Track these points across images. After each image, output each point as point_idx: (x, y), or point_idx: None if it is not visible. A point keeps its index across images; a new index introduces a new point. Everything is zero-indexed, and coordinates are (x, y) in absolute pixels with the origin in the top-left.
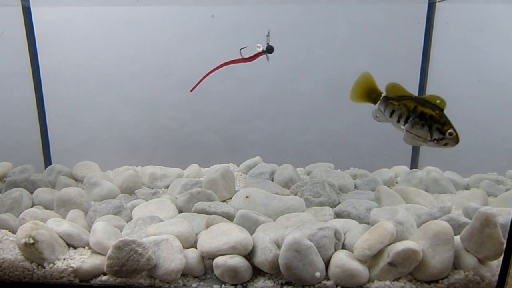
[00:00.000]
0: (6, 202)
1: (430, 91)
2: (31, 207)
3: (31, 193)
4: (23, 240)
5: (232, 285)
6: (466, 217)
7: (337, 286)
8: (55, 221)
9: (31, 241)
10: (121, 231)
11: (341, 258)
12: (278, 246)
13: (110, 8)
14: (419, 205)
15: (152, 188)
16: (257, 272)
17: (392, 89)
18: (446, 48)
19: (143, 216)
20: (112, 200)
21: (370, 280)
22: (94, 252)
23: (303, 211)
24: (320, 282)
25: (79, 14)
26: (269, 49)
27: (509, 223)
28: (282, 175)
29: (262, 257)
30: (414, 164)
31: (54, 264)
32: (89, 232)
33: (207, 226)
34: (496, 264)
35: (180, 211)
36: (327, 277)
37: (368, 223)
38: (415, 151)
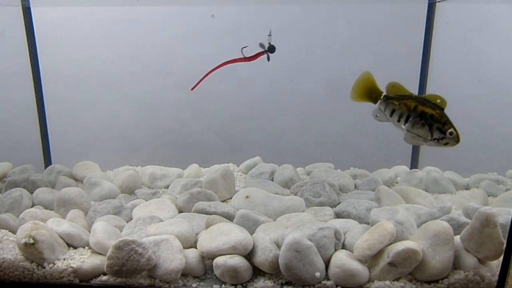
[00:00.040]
0: (6, 202)
1: (430, 91)
2: (31, 207)
3: (31, 193)
4: (23, 240)
5: (232, 285)
6: (466, 217)
7: (337, 286)
8: (55, 221)
9: (31, 241)
10: (121, 231)
11: (341, 258)
12: (278, 246)
13: (110, 8)
14: (419, 205)
15: (152, 188)
16: (257, 272)
17: (393, 89)
18: (446, 48)
19: (143, 216)
20: (112, 200)
21: (370, 280)
22: (94, 252)
23: (303, 211)
24: (320, 282)
25: (79, 14)
26: (271, 49)
27: (509, 223)
28: (282, 175)
29: (262, 257)
30: (414, 164)
31: (54, 264)
32: (89, 232)
33: (207, 226)
34: (496, 264)
35: (180, 211)
36: (327, 277)
37: (368, 223)
38: (415, 151)
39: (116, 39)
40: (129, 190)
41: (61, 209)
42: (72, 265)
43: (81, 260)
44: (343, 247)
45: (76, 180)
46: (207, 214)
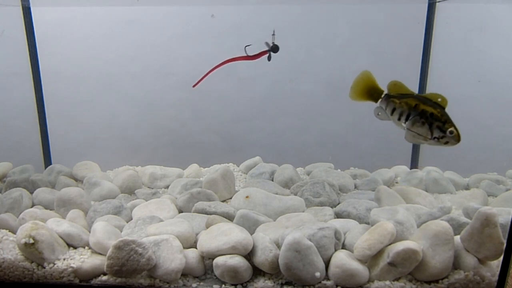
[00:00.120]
0: (6, 202)
1: (430, 91)
2: (31, 207)
3: (31, 193)
4: (23, 240)
5: (232, 285)
6: (466, 217)
7: (337, 286)
8: (55, 221)
9: (31, 241)
10: (121, 231)
11: (341, 258)
12: (278, 246)
13: (110, 8)
14: (419, 205)
15: (152, 188)
16: (257, 272)
17: (394, 87)
18: (446, 48)
19: (143, 216)
20: (112, 200)
21: (370, 280)
22: (94, 252)
23: (303, 211)
24: (320, 282)
25: (79, 14)
26: (274, 48)
27: (509, 223)
28: (282, 175)
29: (262, 257)
30: (414, 164)
31: (54, 264)
32: (89, 232)
33: (207, 226)
34: (496, 264)
35: (180, 211)
36: (327, 277)
37: (368, 223)
38: (415, 151)
39: (116, 39)
40: (129, 190)
41: (61, 209)
42: (72, 265)
43: (81, 260)
44: (343, 247)
45: (76, 180)
46: (207, 214)
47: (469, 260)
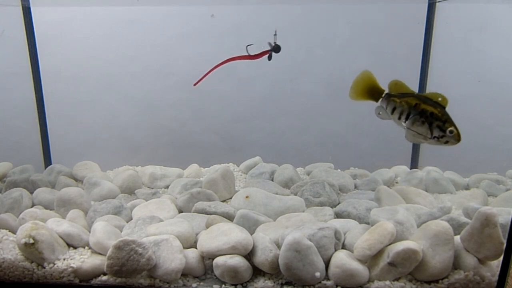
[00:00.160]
0: (6, 202)
1: (430, 91)
2: (31, 207)
3: (31, 193)
4: (23, 240)
5: (232, 285)
6: (466, 217)
7: (337, 286)
8: (55, 221)
9: (31, 241)
10: (121, 231)
11: (341, 258)
12: (278, 246)
13: (110, 8)
14: (419, 205)
15: (152, 188)
16: (257, 272)
17: (395, 86)
18: (446, 48)
19: (143, 216)
20: (112, 200)
21: (370, 280)
22: (94, 252)
23: (303, 211)
24: (320, 282)
25: (79, 14)
26: (276, 49)
27: (509, 223)
28: (282, 175)
29: (262, 257)
30: (414, 164)
31: (54, 264)
32: (89, 232)
33: (207, 226)
34: (496, 264)
35: (180, 211)
36: (327, 277)
37: (368, 223)
38: (415, 151)
39: (116, 39)
40: (129, 190)
41: (61, 209)
42: (72, 265)
43: (81, 260)
44: (343, 247)
45: (76, 180)
46: (207, 214)
47: (469, 260)
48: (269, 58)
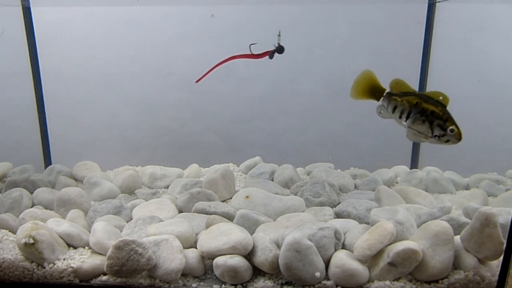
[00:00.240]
0: (6, 202)
1: (431, 90)
2: (31, 207)
3: (31, 193)
4: (23, 240)
5: (232, 285)
6: (466, 217)
7: (337, 286)
8: (55, 221)
9: (31, 241)
10: (121, 231)
11: (341, 258)
12: (278, 246)
13: (110, 8)
14: (419, 205)
15: (152, 188)
16: (257, 272)
17: (396, 85)
18: (446, 48)
19: (143, 216)
20: (112, 200)
21: (370, 280)
22: (94, 252)
23: (303, 211)
24: (320, 282)
25: (79, 14)
26: (280, 49)
27: (509, 223)
28: (282, 175)
29: (262, 257)
30: (414, 164)
31: (54, 264)
32: (89, 232)
33: (207, 226)
34: (496, 264)
35: (180, 211)
36: (327, 277)
37: (368, 223)
38: (415, 151)
39: (116, 39)
40: (129, 190)
41: (61, 209)
42: (72, 265)
43: (81, 260)
44: (343, 247)
45: (76, 180)
46: (207, 214)
47: (469, 260)
48: (271, 57)
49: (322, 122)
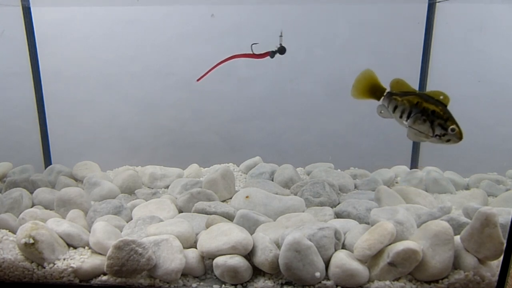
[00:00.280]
0: (6, 202)
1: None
2: (31, 207)
3: (31, 193)
4: (23, 240)
5: (232, 285)
6: (466, 217)
7: (337, 286)
8: (55, 221)
9: (31, 241)
10: (121, 231)
11: (341, 258)
12: (278, 246)
13: (110, 8)
14: (419, 205)
15: (152, 188)
16: (257, 272)
17: (397, 85)
18: (446, 48)
19: (143, 216)
20: (112, 200)
21: (370, 280)
22: (94, 252)
23: (303, 211)
24: (320, 282)
25: (79, 14)
26: (281, 50)
27: (509, 223)
28: (282, 175)
29: (262, 257)
30: (414, 164)
31: (54, 264)
32: (89, 232)
33: (207, 226)
34: (496, 264)
35: (180, 211)
36: (327, 277)
37: (368, 223)
38: (415, 151)
39: (116, 39)
40: (129, 190)
41: (61, 209)
42: (72, 265)
43: (81, 260)
44: (343, 247)
45: (76, 180)
46: (207, 214)
47: (469, 260)
48: (272, 56)
49: (322, 122)
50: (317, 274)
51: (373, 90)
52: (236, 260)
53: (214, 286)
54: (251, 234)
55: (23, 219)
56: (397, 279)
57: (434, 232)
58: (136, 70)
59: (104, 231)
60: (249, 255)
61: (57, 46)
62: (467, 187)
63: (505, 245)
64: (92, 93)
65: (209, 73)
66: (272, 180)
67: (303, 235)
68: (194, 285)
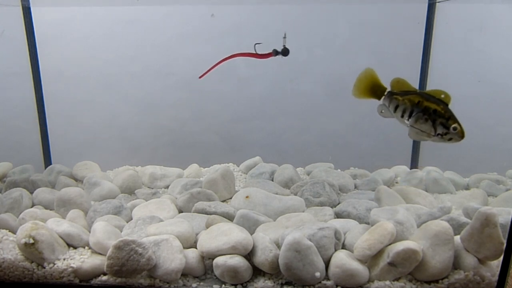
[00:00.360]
0: (6, 202)
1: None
2: (31, 207)
3: (31, 193)
4: (23, 240)
5: (232, 285)
6: (466, 217)
7: (337, 286)
8: (55, 221)
9: (31, 241)
10: (121, 231)
11: (341, 258)
12: (278, 246)
13: (110, 8)
14: (419, 205)
15: (152, 188)
16: (257, 272)
17: (397, 84)
18: (446, 48)
19: (143, 216)
20: (112, 200)
21: (370, 280)
22: (94, 252)
23: (303, 211)
24: (320, 282)
25: (79, 14)
26: (285, 52)
27: (509, 223)
28: (282, 175)
29: (262, 257)
30: (414, 164)
31: (54, 264)
32: (89, 232)
33: (207, 226)
34: (496, 264)
35: (180, 211)
36: (327, 277)
37: (368, 223)
38: (415, 151)
39: (116, 39)
40: (129, 190)
41: (61, 209)
42: (72, 265)
43: (81, 260)
44: (343, 247)
45: (76, 180)
46: (207, 214)
47: (469, 260)
48: (275, 54)
49: (322, 122)
50: (317, 274)
51: (374, 89)
52: (236, 260)
53: (214, 286)
54: (251, 234)
55: (23, 219)
56: (397, 279)
57: (434, 232)
58: (136, 70)
59: (104, 231)
60: (249, 255)
61: (57, 46)
62: (467, 187)
63: (505, 245)
64: (92, 93)
65: (210, 72)
66: (272, 180)
67: (303, 235)
68: (194, 285)
